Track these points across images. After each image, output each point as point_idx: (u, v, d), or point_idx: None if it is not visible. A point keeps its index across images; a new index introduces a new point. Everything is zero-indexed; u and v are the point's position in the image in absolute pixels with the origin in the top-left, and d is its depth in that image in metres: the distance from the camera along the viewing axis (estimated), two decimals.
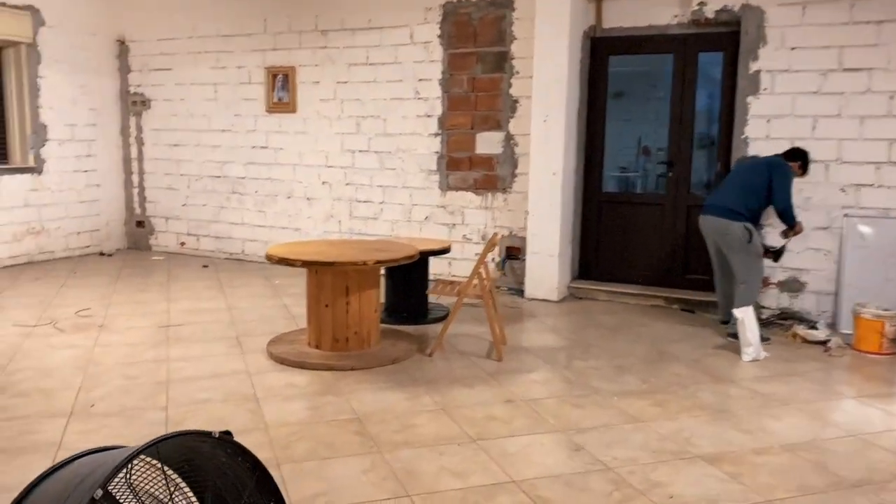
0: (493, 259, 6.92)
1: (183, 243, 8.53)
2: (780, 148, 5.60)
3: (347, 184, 7.51)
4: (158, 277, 7.21)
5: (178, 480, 1.91)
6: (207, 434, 1.63)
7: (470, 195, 6.95)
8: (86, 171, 8.34)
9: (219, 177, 8.20)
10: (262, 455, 3.28)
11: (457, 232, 7.05)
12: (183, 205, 8.45)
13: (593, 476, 3.19)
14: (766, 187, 5.14)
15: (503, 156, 6.77)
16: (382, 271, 6.73)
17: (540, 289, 6.49)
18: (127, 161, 8.75)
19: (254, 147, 7.96)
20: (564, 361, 4.77)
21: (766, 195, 5.17)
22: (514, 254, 6.84)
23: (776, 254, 5.39)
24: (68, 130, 8.12)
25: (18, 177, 7.64)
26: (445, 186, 7.05)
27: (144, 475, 1.82)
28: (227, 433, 1.81)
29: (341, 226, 7.60)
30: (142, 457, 1.76)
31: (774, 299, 5.89)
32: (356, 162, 7.44)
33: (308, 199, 7.74)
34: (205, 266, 7.83)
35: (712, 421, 3.82)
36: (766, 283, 5.56)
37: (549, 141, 6.27)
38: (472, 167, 6.92)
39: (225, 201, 8.20)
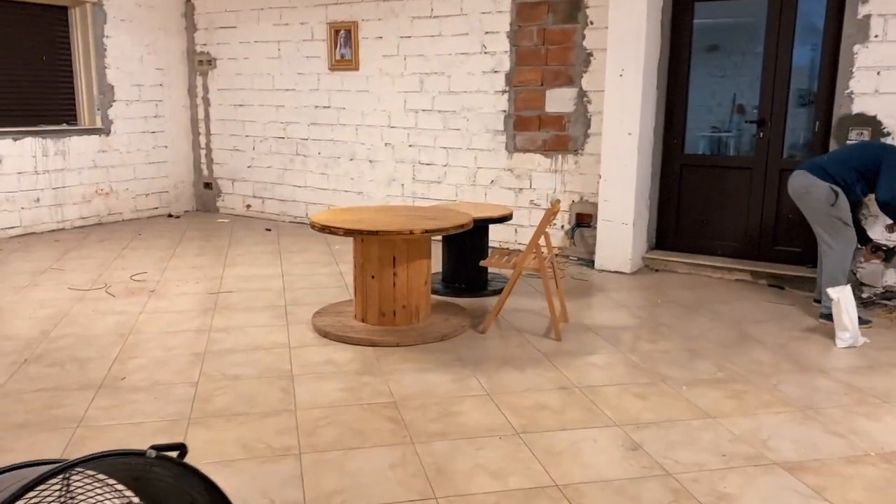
0: (561, 227, 6.47)
1: (249, 206, 8.42)
2: (891, 104, 4.89)
3: (410, 145, 7.17)
4: (220, 241, 7.11)
5: (131, 496, 1.64)
6: (140, 454, 1.34)
7: (538, 157, 6.50)
8: (153, 132, 8.30)
9: (282, 138, 8.00)
10: (285, 442, 3.05)
11: (523, 197, 6.62)
12: (248, 166, 8.32)
13: (649, 483, 2.78)
14: (871, 170, 4.48)
15: (575, 114, 6.27)
16: (439, 238, 6.40)
17: (611, 260, 6.02)
18: (194, 122, 8.67)
19: (317, 107, 7.70)
20: (630, 343, 4.33)
21: (867, 178, 4.50)
22: (584, 221, 6.36)
23: (888, 252, 4.77)
24: (135, 91, 8.07)
25: (87, 138, 7.65)
26: (512, 148, 6.61)
27: (88, 491, 1.55)
28: (180, 446, 1.52)
29: (404, 189, 7.28)
30: (83, 471, 1.49)
31: (878, 276, 5.23)
32: (419, 122, 7.07)
33: (370, 161, 7.44)
34: (267, 230, 7.69)
35: (796, 420, 3.33)
36: (867, 256, 4.91)
37: (625, 98, 5.73)
38: (541, 127, 6.45)
39: (289, 163, 8.01)
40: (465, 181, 6.90)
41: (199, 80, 8.53)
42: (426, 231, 4.14)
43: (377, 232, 4.09)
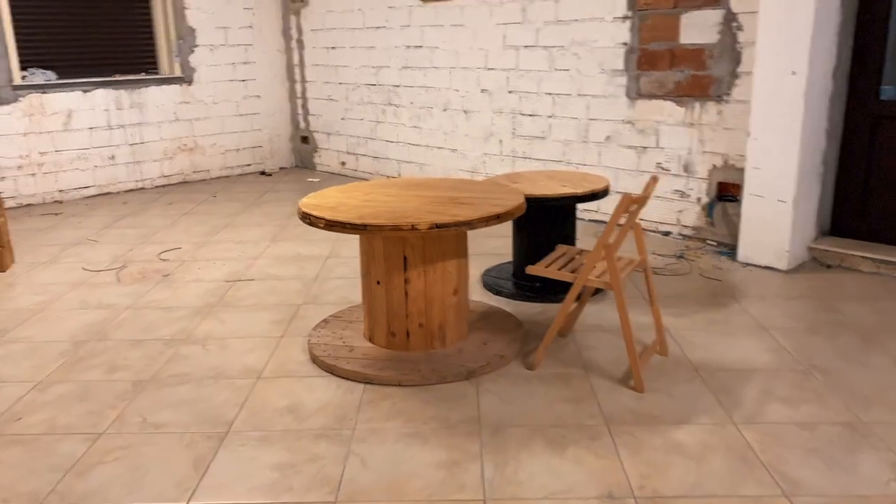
0: (697, 199, 4.83)
1: (343, 163, 7.43)
2: None
3: (510, 91, 5.75)
4: (291, 207, 6.17)
5: None
6: None
7: (669, 106, 4.86)
8: (243, 80, 7.48)
9: (374, 85, 6.86)
10: None
11: (648, 158, 5.03)
12: (342, 118, 7.29)
13: None
14: None
15: (719, 47, 4.55)
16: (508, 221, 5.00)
17: (761, 250, 4.34)
18: (290, 68, 7.75)
19: (408, 47, 6.46)
20: (755, 405, 2.79)
21: None
22: (730, 193, 4.68)
23: None
24: (220, 34, 7.25)
25: (166, 88, 6.96)
26: (635, 93, 5.01)
27: None
28: None
29: (502, 147, 5.91)
30: None
31: None
32: (521, 62, 5.62)
33: (465, 111, 6.11)
34: None
35: None
36: None
37: (790, 23, 3.96)
38: (673, 65, 4.79)
39: (381, 114, 6.87)
40: (575, 137, 5.40)
41: (293, 20, 7.56)
42: (436, 225, 2.83)
43: (364, 226, 2.84)
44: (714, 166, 4.71)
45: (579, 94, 5.31)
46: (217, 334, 3.56)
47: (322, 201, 3.20)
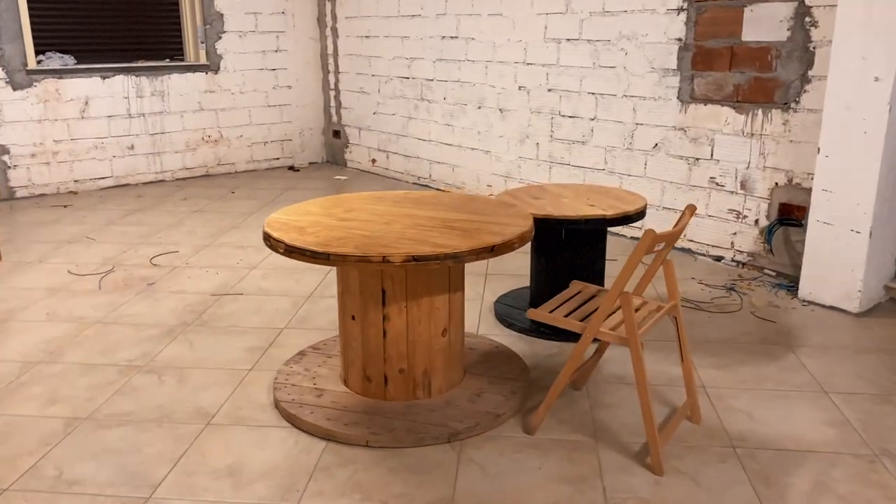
0: (755, 221, 4.18)
1: (374, 161, 6.96)
2: None
3: (550, 89, 5.16)
4: None
5: None
6: None
7: (727, 112, 4.21)
8: (273, 69, 7.08)
9: (407, 78, 6.36)
10: None
11: (700, 172, 4.39)
12: (374, 112, 6.82)
13: None
14: None
15: (789, 46, 3.89)
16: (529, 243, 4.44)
17: (826, 287, 3.68)
18: (323, 57, 7.32)
19: (443, 37, 5.93)
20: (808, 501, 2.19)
21: None
22: (793, 217, 4.03)
23: None
24: (250, 20, 6.86)
25: (191, 76, 6.61)
26: (688, 96, 4.37)
27: None
28: None
29: (539, 151, 5.33)
30: None
31: None
32: (562, 57, 5.03)
33: (501, 110, 5.56)
34: None
35: None
36: None
37: (874, 19, 3.29)
38: (733, 65, 4.14)
39: (413, 110, 6.37)
40: (619, 143, 4.79)
41: (328, 7, 7.11)
42: (413, 258, 2.30)
43: (327, 255, 2.34)
44: (776, 184, 4.05)
45: (625, 95, 4.69)
46: (180, 362, 3.12)
47: (293, 218, 2.71)
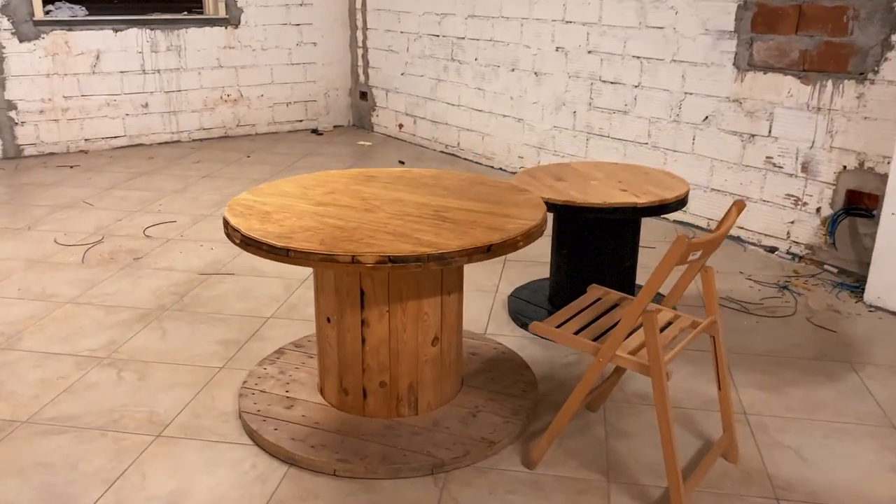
0: (816, 209, 3.63)
1: (401, 125, 6.51)
2: None
3: (590, 51, 4.63)
4: None
5: None
6: None
7: (790, 82, 3.65)
8: (297, 24, 6.65)
9: (437, 36, 5.86)
10: None
11: (755, 150, 3.85)
12: (402, 73, 6.35)
13: None
14: None
15: (870, 5, 3.30)
16: (551, 224, 3.94)
17: None
18: (351, 12, 6.84)
19: None
20: None
21: None
22: (862, 206, 3.47)
23: None
24: None
25: (209, 30, 6.22)
26: (746, 63, 3.81)
27: None
28: None
29: (576, 120, 4.82)
30: None
31: None
32: (605, 15, 4.48)
33: (536, 73, 5.04)
34: (401, 162, 5.75)
35: None
36: None
37: None
38: (800, 27, 3.56)
39: (442, 72, 5.88)
40: (664, 114, 4.26)
41: None
42: (389, 259, 1.88)
43: (287, 251, 1.93)
44: (844, 168, 3.50)
45: (674, 60, 4.15)
46: (146, 354, 2.77)
47: (261, 200, 2.31)
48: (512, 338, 2.93)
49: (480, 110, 5.57)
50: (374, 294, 2.17)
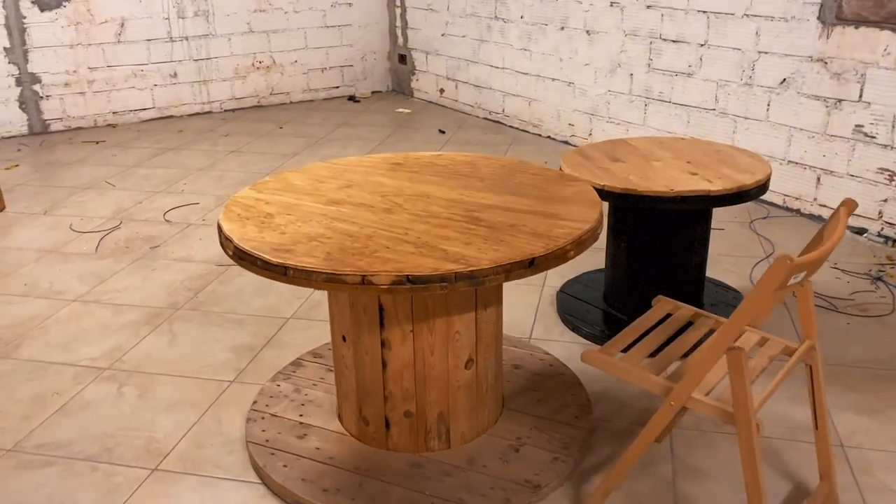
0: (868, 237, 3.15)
1: (442, 90, 6.10)
2: None
3: (649, 6, 4.14)
4: (363, 146, 4.99)
5: None
6: None
7: (887, 38, 3.13)
8: None
9: None
10: None
11: (843, 118, 3.35)
12: (442, 34, 5.91)
13: None
14: None
15: None
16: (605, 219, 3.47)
17: None
18: None
19: None
20: None
21: None
22: None
23: None
24: None
25: None
26: (833, 16, 3.30)
27: None
28: None
29: (633, 83, 4.35)
30: None
31: None
32: None
33: (588, 31, 4.56)
34: (441, 131, 5.35)
35: None
36: None
37: None
38: None
39: (486, 31, 5.42)
40: (734, 76, 3.77)
41: None
42: (405, 279, 1.52)
43: (285, 269, 1.58)
44: None
45: (746, 15, 3.64)
46: (151, 364, 2.49)
47: (265, 198, 1.97)
48: (561, 343, 2.56)
49: (527, 73, 5.12)
50: (396, 311, 1.82)
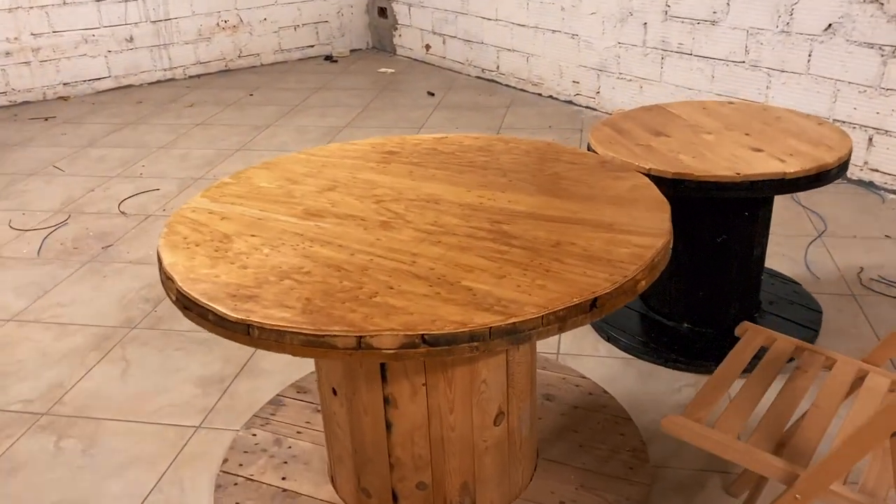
0: None
1: (427, 46, 5.55)
2: None
3: None
4: (343, 114, 4.48)
5: None
6: None
7: None
8: None
9: None
10: None
11: None
12: None
13: None
14: None
15: None
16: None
17: None
18: None
19: None
20: None
21: None
22: None
23: None
24: None
25: None
26: None
27: None
28: None
29: (647, 34, 3.85)
30: None
31: None
32: None
33: None
34: (430, 94, 4.83)
35: None
36: None
37: None
38: None
39: None
40: (768, 22, 3.28)
41: None
42: (421, 340, 1.07)
43: (247, 328, 1.12)
44: None
45: None
46: (99, 406, 2.03)
47: (222, 209, 1.49)
48: (597, 360, 2.12)
49: (524, 25, 4.60)
50: (408, 364, 1.37)
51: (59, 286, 2.67)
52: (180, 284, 1.22)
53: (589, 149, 2.07)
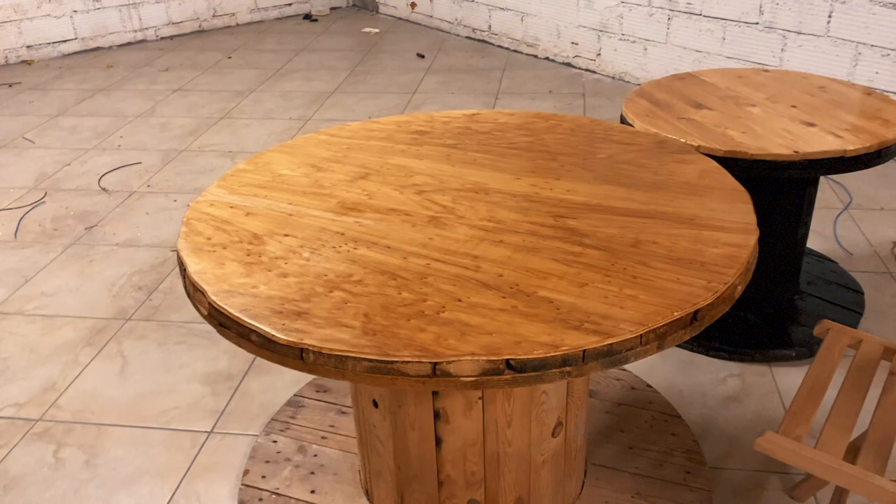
0: None
1: (413, 5, 5.31)
2: None
3: None
4: (329, 78, 4.25)
5: None
6: None
7: None
8: None
9: None
10: None
11: None
12: None
13: None
14: None
15: None
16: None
17: None
18: None
19: None
20: None
21: None
22: None
23: None
24: None
25: None
26: None
27: None
28: None
29: (670, 24, 3.67)
30: None
31: None
32: None
33: None
34: (420, 56, 4.61)
35: None
36: None
37: None
38: None
39: None
40: None
41: None
42: (507, 366, 0.92)
43: (300, 352, 0.97)
44: None
45: None
46: (98, 409, 1.87)
47: (244, 202, 1.32)
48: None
49: None
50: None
51: (42, 273, 2.47)
52: (213, 298, 1.05)
53: (622, 121, 1.92)
